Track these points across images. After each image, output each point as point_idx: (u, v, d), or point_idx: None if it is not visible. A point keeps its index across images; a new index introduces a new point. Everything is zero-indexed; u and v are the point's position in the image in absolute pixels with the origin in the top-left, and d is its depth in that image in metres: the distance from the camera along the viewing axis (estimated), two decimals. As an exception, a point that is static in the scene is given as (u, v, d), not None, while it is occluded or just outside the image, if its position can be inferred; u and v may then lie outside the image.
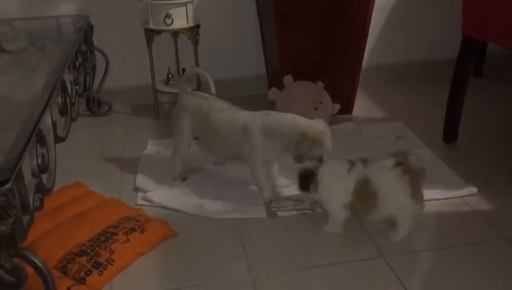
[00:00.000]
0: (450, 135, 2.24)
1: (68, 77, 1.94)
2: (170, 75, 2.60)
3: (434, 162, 2.10)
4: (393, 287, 1.47)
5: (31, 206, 1.27)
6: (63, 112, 1.79)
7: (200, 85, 2.51)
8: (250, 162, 1.81)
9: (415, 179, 1.58)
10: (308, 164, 1.71)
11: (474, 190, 1.89)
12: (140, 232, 1.63)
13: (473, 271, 1.53)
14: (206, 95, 1.93)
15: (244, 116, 1.81)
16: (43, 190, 1.37)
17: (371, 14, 2.38)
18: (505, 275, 1.52)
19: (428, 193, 1.85)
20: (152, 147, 2.26)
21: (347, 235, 1.71)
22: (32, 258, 1.24)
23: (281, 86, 2.42)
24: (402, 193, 1.57)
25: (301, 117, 1.74)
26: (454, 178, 1.97)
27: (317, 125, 1.71)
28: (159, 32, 2.43)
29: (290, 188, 1.89)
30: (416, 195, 1.60)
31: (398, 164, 1.59)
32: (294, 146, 1.69)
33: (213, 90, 1.91)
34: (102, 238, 1.60)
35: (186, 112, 1.91)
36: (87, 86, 2.48)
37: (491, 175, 1.99)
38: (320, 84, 2.42)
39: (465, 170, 2.02)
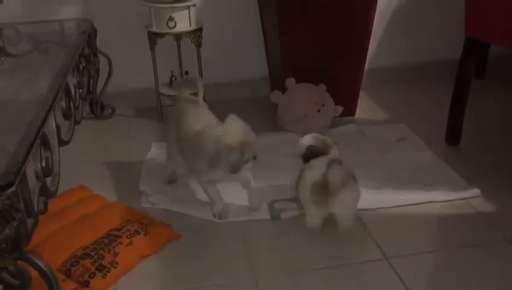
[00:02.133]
0: (452, 136, 2.24)
1: (72, 81, 1.95)
2: (173, 78, 2.61)
3: (437, 163, 2.09)
4: (397, 289, 1.47)
5: (35, 210, 1.28)
6: (66, 116, 1.80)
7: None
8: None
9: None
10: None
11: (477, 191, 1.88)
12: (143, 235, 1.64)
13: (476, 273, 1.52)
14: (197, 100, 1.91)
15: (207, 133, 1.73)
16: (47, 193, 1.38)
17: (374, 16, 2.38)
18: (509, 276, 1.51)
19: (431, 195, 1.87)
20: (155, 150, 2.27)
21: (350, 237, 1.71)
22: (36, 261, 1.25)
23: (283, 89, 2.43)
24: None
25: (215, 126, 1.72)
26: (457, 180, 1.96)
27: (233, 130, 1.65)
28: (162, 35, 2.44)
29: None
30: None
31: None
32: (223, 160, 1.65)
33: (200, 97, 1.90)
34: (106, 241, 1.61)
35: (173, 117, 1.92)
36: (91, 89, 2.49)
37: (494, 176, 1.99)
38: (322, 86, 2.42)
39: (468, 171, 2.01)
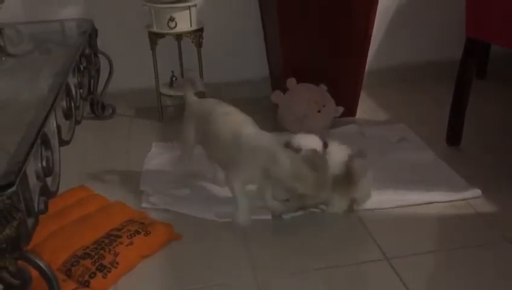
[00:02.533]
0: (453, 136, 2.24)
1: (72, 80, 1.95)
2: (174, 78, 2.61)
3: (437, 164, 2.09)
4: (397, 290, 1.47)
5: (36, 209, 1.28)
6: (67, 115, 1.80)
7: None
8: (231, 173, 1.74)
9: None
10: None
11: (478, 192, 1.88)
12: (144, 235, 1.63)
13: (476, 273, 1.52)
14: (213, 100, 1.91)
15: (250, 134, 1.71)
16: (47, 193, 1.38)
17: (374, 17, 2.38)
18: (510, 276, 1.51)
19: (431, 195, 1.87)
20: (156, 150, 2.27)
21: (350, 237, 1.71)
22: (37, 261, 1.25)
23: (284, 89, 2.43)
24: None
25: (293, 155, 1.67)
26: (457, 180, 1.96)
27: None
28: (162, 35, 2.44)
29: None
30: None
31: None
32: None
33: (200, 85, 1.95)
34: (106, 241, 1.61)
35: (191, 115, 1.89)
36: (92, 89, 2.49)
37: (495, 177, 1.99)
38: (323, 87, 2.42)
39: (469, 172, 2.01)
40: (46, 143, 1.42)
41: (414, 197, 1.86)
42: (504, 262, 1.57)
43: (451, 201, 1.85)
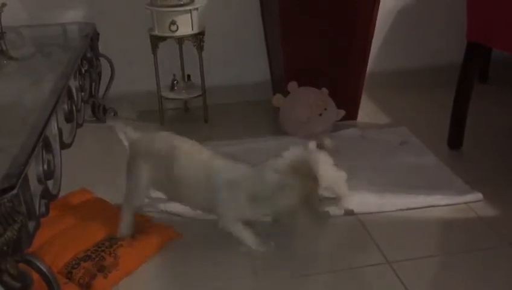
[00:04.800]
0: (455, 140, 2.24)
1: (74, 84, 1.95)
2: (175, 82, 2.61)
3: (439, 167, 2.09)
4: (399, 294, 1.47)
5: (37, 212, 1.28)
6: (68, 119, 1.80)
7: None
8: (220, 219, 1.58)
9: None
10: None
11: (479, 195, 1.88)
12: (144, 236, 1.63)
13: (478, 277, 1.52)
14: (161, 133, 1.64)
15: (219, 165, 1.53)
16: (48, 196, 1.38)
17: (375, 20, 2.38)
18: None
19: (433, 199, 1.86)
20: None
21: (352, 241, 1.71)
22: (38, 263, 1.24)
23: (285, 92, 2.43)
24: None
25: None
26: (459, 184, 1.96)
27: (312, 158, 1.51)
28: (164, 39, 2.45)
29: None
30: None
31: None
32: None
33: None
34: (107, 243, 1.61)
35: (139, 156, 1.61)
36: (93, 92, 2.49)
37: (497, 181, 1.99)
38: (324, 90, 2.42)
39: (470, 175, 2.01)
40: (47, 146, 1.42)
41: (415, 200, 1.86)
42: (506, 266, 1.57)
43: (452, 205, 1.84)
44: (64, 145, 1.67)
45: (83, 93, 2.12)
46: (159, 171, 1.56)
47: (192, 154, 1.54)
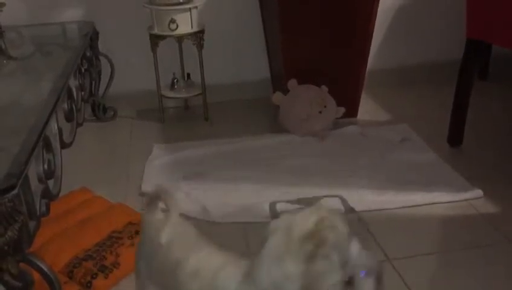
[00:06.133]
0: (455, 137, 2.24)
1: (74, 83, 1.95)
2: (175, 80, 2.61)
3: (439, 164, 2.09)
4: (399, 291, 1.47)
5: (37, 212, 1.28)
6: (68, 118, 1.80)
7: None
8: None
9: None
10: None
11: (479, 192, 1.88)
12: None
13: (479, 274, 1.52)
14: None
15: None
16: (49, 196, 1.38)
17: (375, 17, 2.38)
18: (512, 278, 1.51)
19: (433, 196, 1.86)
20: (158, 152, 2.27)
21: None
22: (39, 263, 1.24)
23: (285, 90, 2.43)
24: None
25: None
26: (459, 181, 1.96)
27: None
28: (163, 37, 2.45)
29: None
30: None
31: None
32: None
33: (173, 213, 1.19)
34: (108, 243, 1.61)
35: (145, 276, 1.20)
36: (93, 91, 2.49)
37: (497, 177, 1.99)
38: (324, 88, 2.42)
39: (471, 172, 2.01)
40: (47, 146, 1.42)
41: (415, 198, 1.86)
42: (506, 263, 1.57)
43: (452, 202, 1.85)
44: (64, 145, 1.67)
45: (82, 93, 2.12)
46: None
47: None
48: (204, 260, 1.08)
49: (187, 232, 1.19)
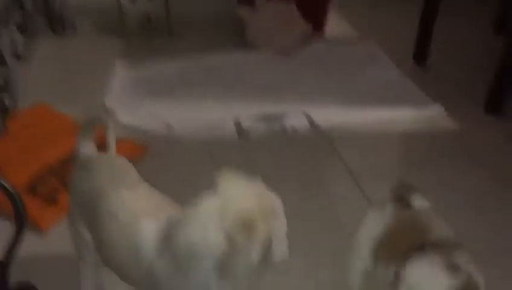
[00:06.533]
0: (420, 54, 2.24)
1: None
2: (136, -8, 2.47)
3: (403, 81, 2.11)
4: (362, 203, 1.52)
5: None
6: (22, 29, 1.70)
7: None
8: None
9: None
10: None
11: (441, 108, 1.91)
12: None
13: (439, 186, 1.56)
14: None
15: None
16: (4, 110, 1.33)
17: None
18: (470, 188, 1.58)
19: (395, 112, 1.89)
20: (121, 68, 2.20)
21: (318, 155, 1.73)
22: (1, 180, 1.22)
23: (251, 5, 2.34)
24: None
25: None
26: (422, 98, 1.99)
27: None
28: None
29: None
30: None
31: None
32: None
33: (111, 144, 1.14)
34: (71, 160, 1.58)
35: (77, 203, 1.08)
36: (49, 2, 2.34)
37: (459, 94, 2.02)
38: (292, 6, 2.34)
39: (434, 89, 2.03)
40: (0, 58, 1.34)
41: (379, 113, 1.89)
42: (463, 177, 1.63)
43: (414, 117, 1.88)
44: (19, 58, 1.59)
45: (35, 1, 1.98)
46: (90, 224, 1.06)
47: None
48: (128, 201, 0.99)
49: (120, 167, 1.10)
